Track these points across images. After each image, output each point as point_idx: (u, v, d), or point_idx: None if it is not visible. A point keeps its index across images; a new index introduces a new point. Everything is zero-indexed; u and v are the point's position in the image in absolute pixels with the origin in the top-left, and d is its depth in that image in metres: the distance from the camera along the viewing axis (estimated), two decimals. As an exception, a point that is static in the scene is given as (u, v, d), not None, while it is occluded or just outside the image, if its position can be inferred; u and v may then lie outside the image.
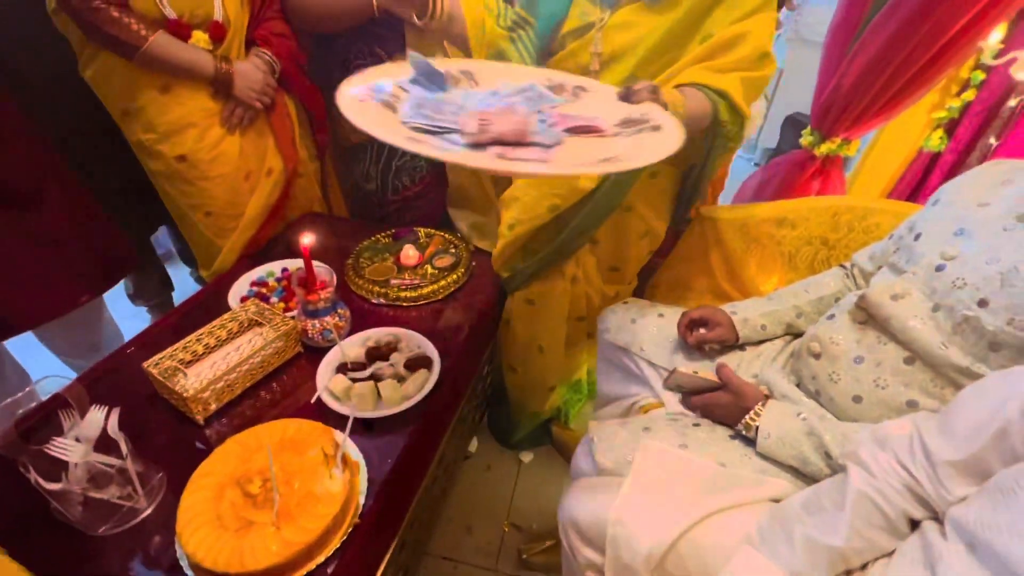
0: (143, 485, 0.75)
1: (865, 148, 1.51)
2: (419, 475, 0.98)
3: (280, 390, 0.96)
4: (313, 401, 0.89)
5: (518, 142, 0.69)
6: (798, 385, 0.83)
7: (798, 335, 0.97)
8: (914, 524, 0.61)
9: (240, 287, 1.17)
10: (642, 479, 0.72)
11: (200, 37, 1.04)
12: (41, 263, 1.06)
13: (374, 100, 0.72)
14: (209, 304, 1.13)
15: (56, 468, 0.69)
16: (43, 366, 1.09)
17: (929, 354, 0.67)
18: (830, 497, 0.62)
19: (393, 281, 1.19)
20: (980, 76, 1.40)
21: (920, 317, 0.69)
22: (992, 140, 1.42)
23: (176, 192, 1.16)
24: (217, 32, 1.06)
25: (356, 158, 1.44)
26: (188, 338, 0.94)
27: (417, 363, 0.97)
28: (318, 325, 0.99)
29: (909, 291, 0.72)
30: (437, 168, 1.49)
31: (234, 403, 0.92)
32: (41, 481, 0.66)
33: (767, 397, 0.80)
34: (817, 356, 0.79)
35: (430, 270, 1.23)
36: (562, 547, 0.79)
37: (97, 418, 0.71)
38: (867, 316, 0.76)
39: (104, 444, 0.72)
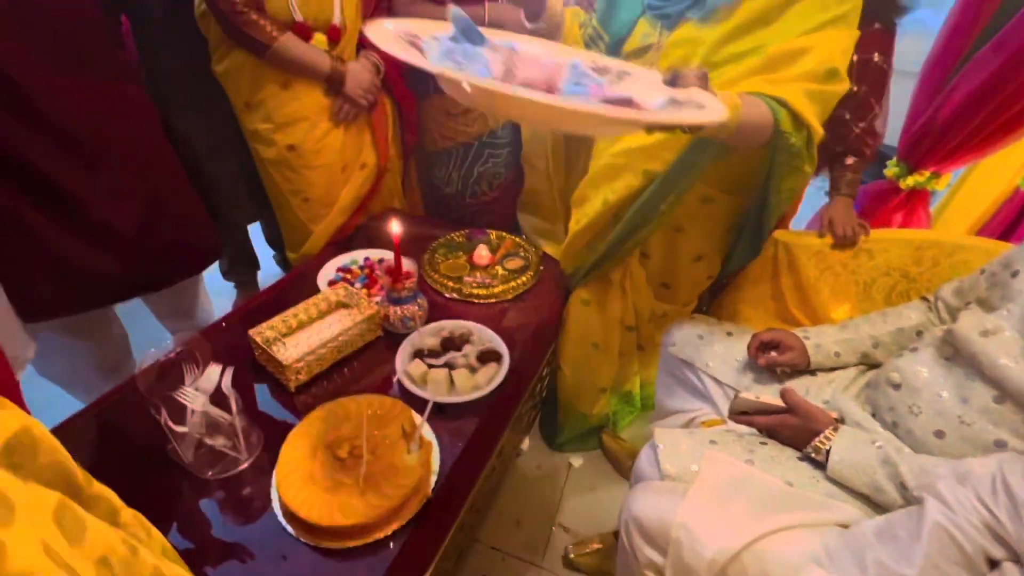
0: (245, 439, 0.83)
1: (955, 183, 1.45)
2: (482, 462, 1.03)
3: (361, 369, 1.04)
4: (394, 381, 0.96)
5: (548, 88, 0.65)
6: (873, 415, 0.82)
7: (872, 366, 0.95)
8: (993, 564, 0.60)
9: (327, 272, 1.26)
10: (707, 488, 0.73)
11: (320, 39, 1.16)
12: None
13: (405, 40, 0.68)
14: (299, 285, 1.23)
15: (178, 414, 0.78)
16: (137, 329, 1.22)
17: (1021, 394, 0.66)
18: (905, 527, 0.62)
19: (467, 278, 1.26)
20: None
21: (1013, 356, 0.67)
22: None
23: (281, 178, 1.29)
24: (334, 35, 1.17)
25: (440, 162, 1.53)
26: (286, 313, 1.03)
27: (488, 356, 1.02)
28: (400, 312, 1.06)
29: (1002, 328, 0.70)
30: (515, 175, 1.56)
31: (321, 376, 1.00)
32: (170, 423, 0.75)
33: (839, 422, 0.80)
34: (897, 387, 0.78)
35: (501, 271, 1.29)
36: (621, 545, 0.81)
37: (214, 373, 0.80)
38: (954, 351, 0.75)
39: (216, 398, 0.81)
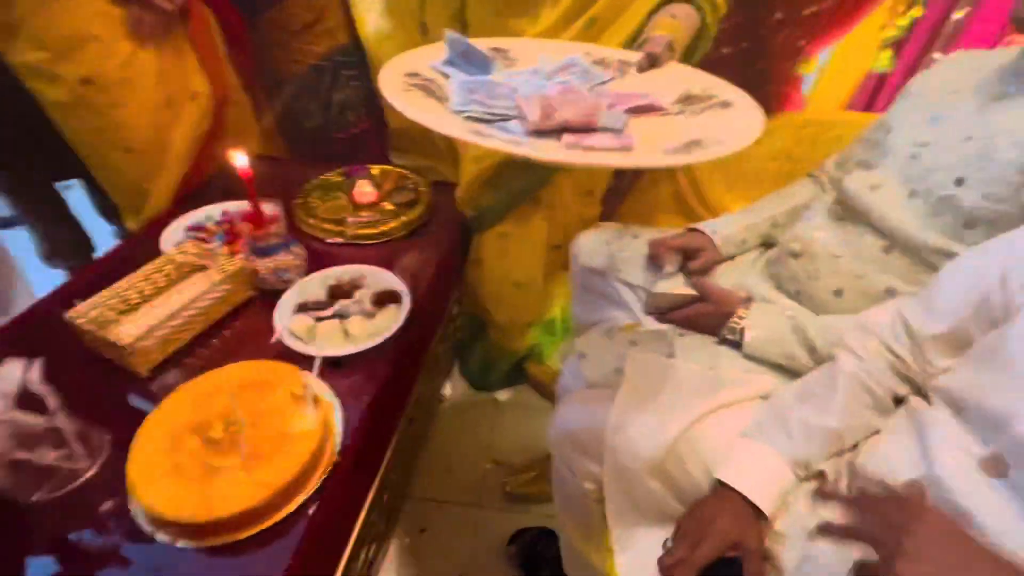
0: (83, 445, 0.66)
1: (822, 67, 1.51)
2: (396, 413, 0.93)
3: (235, 337, 0.87)
4: (274, 342, 0.81)
5: (586, 127, 0.63)
6: (778, 289, 0.83)
7: (771, 246, 0.96)
8: (899, 402, 0.62)
9: (173, 234, 1.04)
10: (634, 387, 0.70)
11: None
12: None
13: (415, 86, 0.68)
14: (137, 256, 1.00)
15: (-30, 430, 0.59)
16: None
17: (908, 239, 0.67)
18: (820, 383, 0.63)
19: (350, 219, 1.10)
20: (927, -10, 1.42)
21: (898, 205, 0.69)
22: (936, 56, 1.45)
23: (85, 127, 1.00)
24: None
25: (292, 91, 1.30)
26: (118, 284, 0.83)
27: (385, 299, 0.90)
28: (270, 264, 0.90)
29: (886, 181, 0.71)
30: (374, 106, 1.37)
31: (183, 353, 0.83)
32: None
33: (749, 300, 0.79)
34: (797, 256, 0.78)
35: (389, 206, 1.15)
36: (553, 465, 0.77)
37: (13, 370, 0.61)
38: (844, 210, 0.75)
39: (30, 401, 0.62)
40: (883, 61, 1.53)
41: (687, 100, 0.71)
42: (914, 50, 1.48)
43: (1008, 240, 0.55)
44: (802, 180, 0.98)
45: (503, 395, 1.37)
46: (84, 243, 1.43)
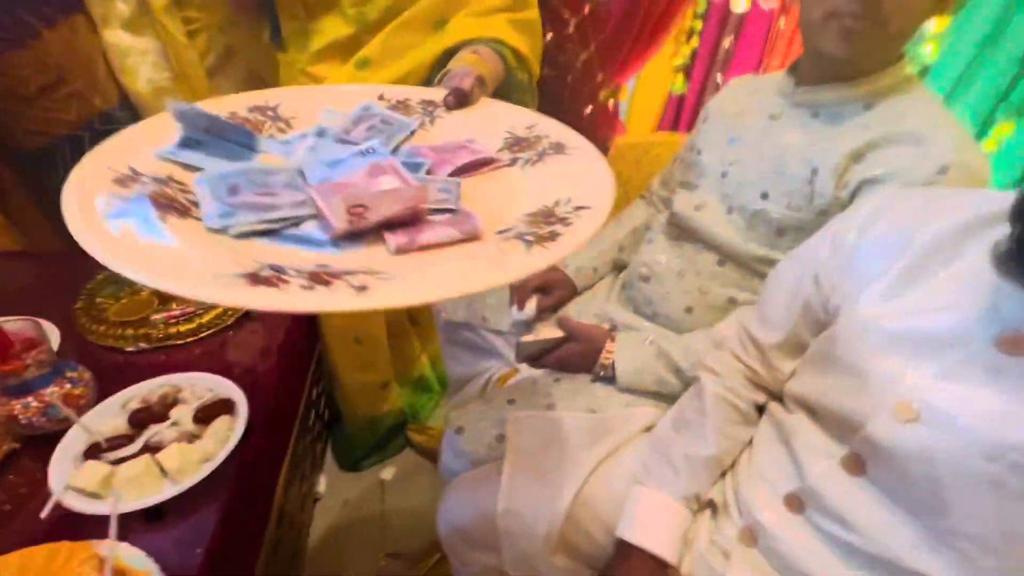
0: None
1: (632, 93, 1.67)
2: (250, 551, 0.76)
3: (-9, 516, 0.64)
4: (45, 514, 0.60)
5: (415, 217, 0.47)
6: (636, 313, 0.85)
7: (622, 268, 1.00)
8: (760, 409, 0.65)
9: None
10: (519, 456, 0.65)
11: None
12: None
13: (135, 213, 0.43)
14: None
15: None
16: None
17: (734, 251, 0.72)
18: (692, 408, 0.63)
19: (155, 316, 0.90)
20: (699, 25, 1.65)
21: (721, 221, 0.74)
22: (718, 78, 1.69)
23: None
24: None
25: (42, 169, 1.03)
26: None
27: (213, 411, 0.73)
28: (34, 403, 0.68)
29: (707, 200, 0.77)
30: None
31: None
32: None
33: (612, 331, 0.79)
34: (647, 280, 0.81)
35: (208, 291, 0.97)
36: (451, 560, 0.68)
37: None
38: (679, 231, 0.80)
39: None
40: (678, 84, 1.75)
41: (516, 145, 0.62)
42: (700, 74, 1.70)
43: (811, 245, 0.61)
44: (636, 202, 1.03)
45: (387, 472, 1.23)
46: None
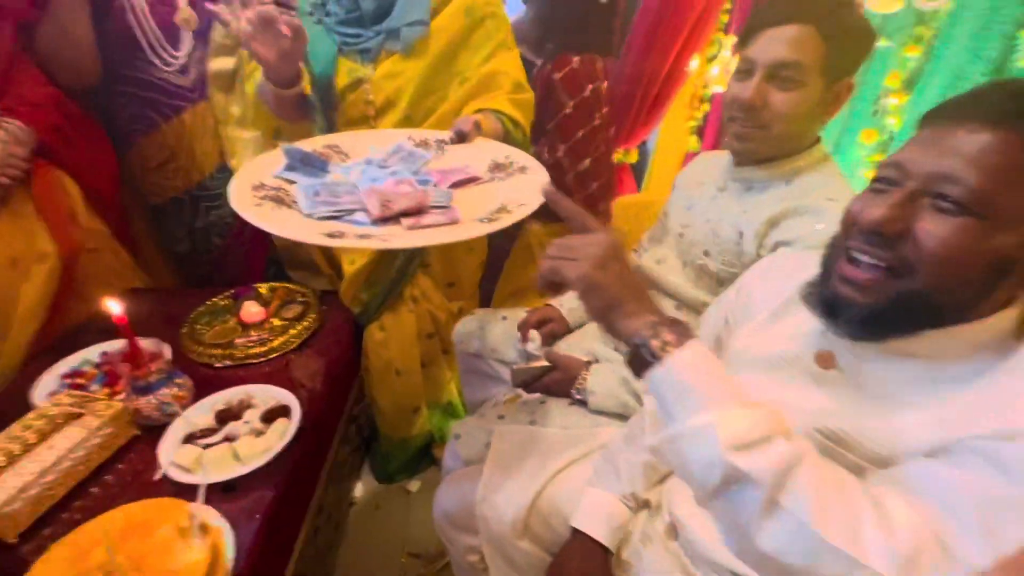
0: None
1: (652, 154, 1.86)
2: (295, 527, 0.95)
3: (118, 481, 0.87)
4: (157, 479, 0.83)
5: (420, 210, 0.79)
6: (615, 349, 1.00)
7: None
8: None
9: (47, 384, 1.03)
10: (499, 458, 0.81)
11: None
12: None
13: (265, 198, 0.79)
14: (8, 412, 0.98)
15: None
16: None
17: (687, 298, 0.87)
18: (639, 424, 0.78)
19: (238, 340, 1.16)
20: (709, 91, 1.82)
21: (676, 273, 0.89)
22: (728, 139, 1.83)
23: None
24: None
25: (161, 220, 1.38)
26: (-18, 449, 0.82)
27: (274, 414, 0.96)
28: (153, 400, 0.92)
29: (667, 256, 0.92)
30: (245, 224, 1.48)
31: (58, 508, 0.82)
32: None
33: (590, 364, 0.95)
34: (621, 321, 0.96)
35: (277, 322, 1.22)
36: (443, 542, 0.84)
37: None
38: (648, 281, 0.95)
39: None
40: (693, 143, 1.91)
41: (496, 168, 0.89)
42: (712, 134, 1.86)
43: (727, 292, 0.75)
44: (628, 255, 1.20)
45: (414, 485, 1.41)
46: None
